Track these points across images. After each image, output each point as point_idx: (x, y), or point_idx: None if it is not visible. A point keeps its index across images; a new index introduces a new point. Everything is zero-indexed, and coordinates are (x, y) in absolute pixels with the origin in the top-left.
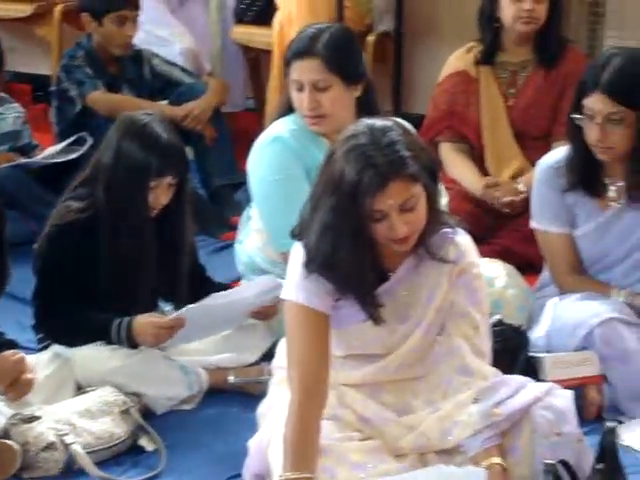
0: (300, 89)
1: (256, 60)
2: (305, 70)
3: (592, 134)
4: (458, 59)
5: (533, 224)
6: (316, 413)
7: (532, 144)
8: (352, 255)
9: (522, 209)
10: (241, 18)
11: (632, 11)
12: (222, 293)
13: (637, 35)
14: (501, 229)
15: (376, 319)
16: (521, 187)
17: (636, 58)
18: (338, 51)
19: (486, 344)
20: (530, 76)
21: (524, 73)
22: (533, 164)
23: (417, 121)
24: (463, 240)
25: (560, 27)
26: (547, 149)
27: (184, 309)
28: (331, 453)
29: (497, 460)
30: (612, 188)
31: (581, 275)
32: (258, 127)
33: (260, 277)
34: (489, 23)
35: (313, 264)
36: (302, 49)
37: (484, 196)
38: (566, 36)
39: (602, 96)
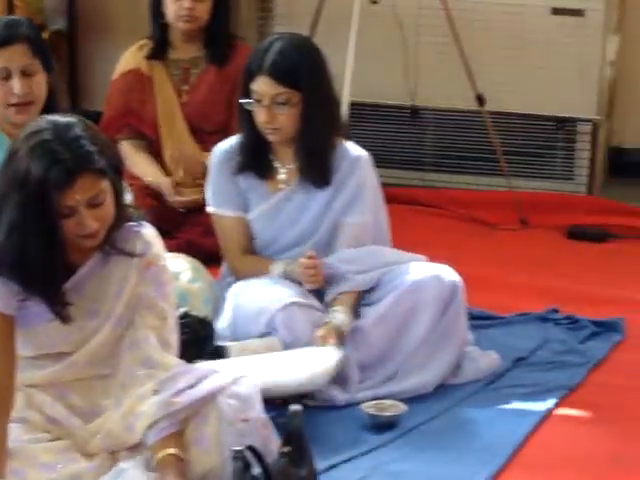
0: (7, 77)
1: None
2: (13, 56)
3: (260, 116)
4: (130, 57)
5: (209, 208)
6: (2, 418)
7: (209, 138)
8: (41, 254)
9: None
10: None
11: (300, 7)
12: None
13: (304, 30)
14: (184, 223)
15: (64, 318)
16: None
17: (296, 41)
18: (39, 36)
19: (173, 336)
20: (202, 73)
21: (196, 70)
22: None
23: (96, 118)
24: (148, 233)
25: (228, 24)
26: None
27: None
28: (20, 455)
29: (172, 451)
30: (282, 171)
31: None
32: None
33: None
34: (156, 20)
35: (0, 266)
36: (5, 37)
37: (168, 198)
38: (236, 33)
39: (266, 78)
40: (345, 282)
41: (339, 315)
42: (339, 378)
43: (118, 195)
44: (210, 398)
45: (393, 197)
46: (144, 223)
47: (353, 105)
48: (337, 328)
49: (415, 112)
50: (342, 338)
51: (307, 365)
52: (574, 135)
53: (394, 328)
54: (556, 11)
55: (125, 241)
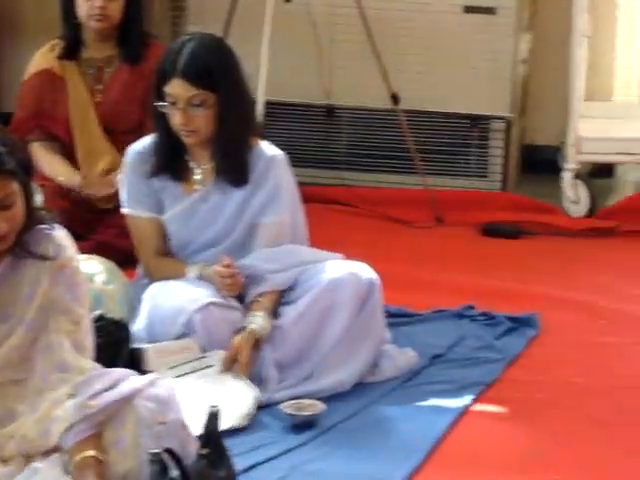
0: None
1: None
2: None
3: (176, 119)
4: (42, 57)
5: (123, 210)
6: None
7: (124, 138)
8: None
9: (118, 203)
10: None
11: (212, 5)
12: None
13: (217, 29)
14: (98, 224)
15: None
16: (116, 179)
17: (208, 41)
18: None
19: (88, 339)
20: (116, 72)
21: (110, 69)
22: None
23: (6, 120)
24: (60, 235)
25: (142, 23)
26: None
27: None
28: None
29: (91, 453)
30: (198, 171)
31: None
32: None
33: None
34: (68, 20)
35: None
36: None
37: (82, 192)
38: (149, 31)
39: (180, 81)
40: (264, 282)
41: (258, 320)
42: (257, 378)
43: (28, 197)
44: (127, 400)
45: (310, 196)
46: (55, 225)
47: (268, 104)
48: (255, 334)
49: (330, 111)
50: (260, 343)
51: (226, 413)
52: (487, 133)
53: (312, 327)
54: (468, 9)
55: (36, 244)
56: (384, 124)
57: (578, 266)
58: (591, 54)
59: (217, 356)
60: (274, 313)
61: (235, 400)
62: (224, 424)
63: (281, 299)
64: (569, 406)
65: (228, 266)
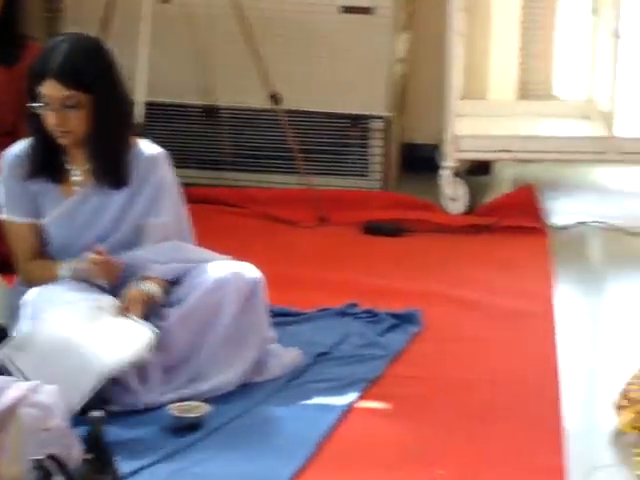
0: None
1: None
2: None
3: (50, 120)
4: None
5: (1, 215)
6: None
7: (1, 140)
8: None
9: None
10: None
11: (89, 6)
12: None
13: (95, 30)
14: None
15: None
16: None
17: (82, 42)
18: None
19: None
20: None
21: None
22: None
23: None
24: None
25: (19, 24)
26: None
27: None
28: None
29: None
30: (75, 173)
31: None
32: None
33: None
34: None
35: None
36: None
37: None
38: (26, 32)
39: (54, 82)
40: (146, 270)
41: (151, 285)
42: (142, 380)
43: None
44: (12, 409)
45: (194, 197)
46: None
47: (148, 105)
48: (147, 291)
49: (211, 111)
50: (153, 304)
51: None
52: (367, 132)
53: (197, 327)
54: (346, 9)
55: None
56: (266, 124)
57: (458, 262)
58: (467, 53)
59: (109, 301)
60: (157, 314)
61: (132, 334)
62: (127, 357)
63: (167, 290)
64: (449, 401)
65: (100, 253)
